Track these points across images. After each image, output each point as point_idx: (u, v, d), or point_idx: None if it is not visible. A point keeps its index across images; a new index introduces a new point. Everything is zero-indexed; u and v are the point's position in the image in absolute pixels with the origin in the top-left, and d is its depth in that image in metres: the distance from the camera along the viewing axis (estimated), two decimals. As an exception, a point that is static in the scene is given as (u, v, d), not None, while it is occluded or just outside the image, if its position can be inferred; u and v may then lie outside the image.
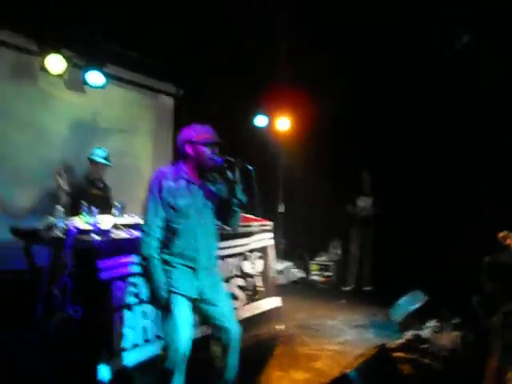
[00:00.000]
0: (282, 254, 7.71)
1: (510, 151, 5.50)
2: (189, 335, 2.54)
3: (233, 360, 2.63)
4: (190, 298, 2.59)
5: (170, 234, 2.60)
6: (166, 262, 2.59)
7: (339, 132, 6.89)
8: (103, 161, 4.73)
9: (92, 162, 4.73)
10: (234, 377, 2.66)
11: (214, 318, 2.64)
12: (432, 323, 4.09)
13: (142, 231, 2.62)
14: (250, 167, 2.76)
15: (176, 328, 2.50)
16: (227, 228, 2.99)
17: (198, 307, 2.65)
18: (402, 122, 6.29)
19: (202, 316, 2.72)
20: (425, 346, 3.71)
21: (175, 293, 2.55)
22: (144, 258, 2.58)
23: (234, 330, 2.64)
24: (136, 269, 3.29)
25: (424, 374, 3.24)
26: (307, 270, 7.46)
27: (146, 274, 2.60)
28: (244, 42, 5.99)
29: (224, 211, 2.76)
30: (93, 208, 3.48)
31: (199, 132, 2.70)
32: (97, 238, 3.07)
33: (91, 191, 4.69)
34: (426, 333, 3.91)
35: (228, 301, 2.82)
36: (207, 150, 2.67)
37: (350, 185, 6.92)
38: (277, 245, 7.59)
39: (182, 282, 2.58)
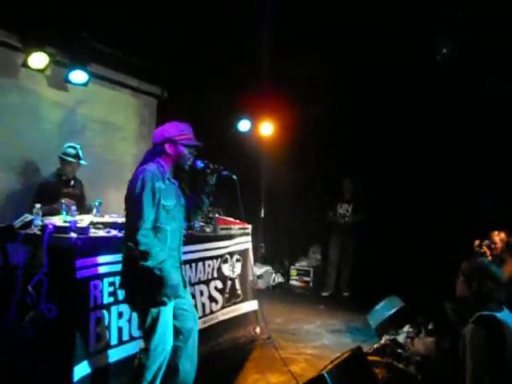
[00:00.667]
0: (262, 259, 7.74)
1: (503, 151, 5.61)
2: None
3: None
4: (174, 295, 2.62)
5: (163, 236, 2.60)
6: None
7: (322, 138, 6.97)
8: (74, 160, 4.52)
9: (63, 160, 4.51)
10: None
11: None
12: (407, 329, 4.15)
13: (141, 234, 2.49)
14: (234, 176, 2.88)
15: (168, 330, 2.59)
16: (210, 228, 3.06)
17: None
18: (389, 125, 6.39)
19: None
20: (400, 350, 3.76)
21: (166, 296, 2.56)
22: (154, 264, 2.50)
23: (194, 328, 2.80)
24: (113, 268, 3.27)
25: (398, 378, 3.29)
26: (287, 275, 7.49)
27: (155, 276, 2.51)
28: (229, 46, 6.02)
29: (190, 210, 2.88)
30: (72, 207, 3.44)
31: (181, 131, 2.68)
32: (74, 235, 3.03)
33: (62, 190, 4.49)
34: (401, 338, 3.97)
35: (190, 299, 2.92)
36: (186, 152, 2.68)
37: (331, 191, 6.98)
38: (257, 249, 7.64)
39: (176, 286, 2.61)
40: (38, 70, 4.54)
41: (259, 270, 7.19)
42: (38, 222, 3.35)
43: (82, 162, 4.59)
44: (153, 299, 2.55)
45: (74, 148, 4.56)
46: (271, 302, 6.07)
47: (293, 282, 7.36)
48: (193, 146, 2.71)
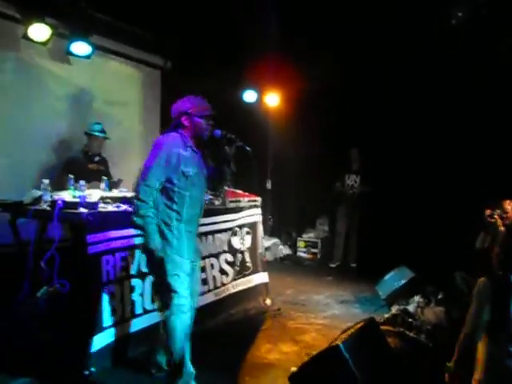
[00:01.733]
0: (270, 231, 7.75)
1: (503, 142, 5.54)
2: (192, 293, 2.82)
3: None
4: (192, 259, 2.80)
5: (180, 201, 2.72)
6: (177, 230, 2.72)
7: (329, 109, 6.84)
8: (101, 134, 4.68)
9: (91, 136, 4.66)
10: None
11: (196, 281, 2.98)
12: (417, 299, 4.17)
13: (141, 191, 2.65)
14: (248, 148, 2.99)
15: (186, 287, 2.72)
16: (219, 200, 3.46)
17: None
18: (395, 99, 6.26)
19: None
20: (410, 320, 3.78)
21: (186, 259, 2.74)
22: (141, 217, 2.65)
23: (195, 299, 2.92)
24: (124, 243, 3.27)
25: (410, 346, 3.31)
26: (294, 247, 7.51)
27: (143, 231, 2.70)
28: (233, 16, 5.85)
29: (214, 180, 3.06)
30: (80, 181, 3.41)
31: (195, 104, 2.79)
32: (84, 210, 3.01)
33: (88, 166, 4.63)
34: (411, 308, 3.99)
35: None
36: (203, 122, 2.79)
37: (338, 162, 6.91)
38: (264, 221, 7.64)
39: (189, 249, 2.76)
40: (40, 43, 4.43)
41: (267, 242, 7.19)
42: (48, 197, 3.33)
43: (106, 136, 4.72)
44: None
45: (99, 124, 4.71)
46: (280, 274, 6.10)
47: (300, 254, 7.39)
48: (207, 116, 2.80)
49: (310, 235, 7.47)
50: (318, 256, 7.28)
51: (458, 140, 5.92)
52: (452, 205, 5.74)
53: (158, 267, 2.73)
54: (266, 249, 7.05)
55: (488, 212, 4.48)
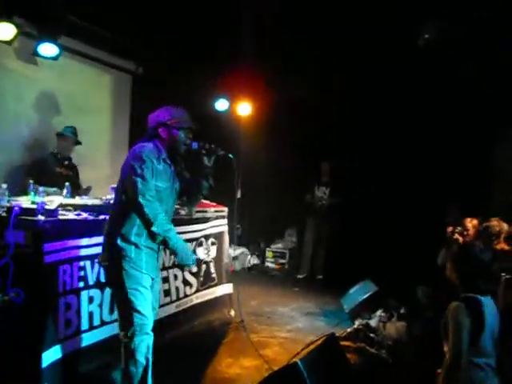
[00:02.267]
0: (238, 240, 7.70)
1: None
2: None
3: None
4: (152, 276, 2.66)
5: None
6: (135, 245, 2.56)
7: (300, 120, 6.89)
8: (71, 135, 4.58)
9: (62, 136, 4.56)
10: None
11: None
12: (379, 313, 4.21)
13: (146, 198, 2.45)
14: (231, 155, 2.83)
15: (148, 304, 2.58)
16: (185, 210, 3.22)
17: None
18: (367, 108, 6.35)
19: None
20: (372, 335, 3.81)
21: (145, 273, 2.58)
22: (160, 225, 2.46)
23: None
24: (83, 252, 3.17)
25: (370, 362, 3.33)
26: (262, 257, 7.50)
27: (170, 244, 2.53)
28: (206, 22, 5.82)
29: (190, 195, 2.87)
30: (40, 187, 3.29)
31: (174, 115, 2.67)
32: (41, 218, 2.90)
33: (55, 169, 4.52)
34: (373, 322, 4.02)
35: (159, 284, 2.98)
36: (181, 135, 2.67)
37: (309, 174, 6.95)
38: (233, 230, 7.59)
39: (150, 264, 2.62)
40: (5, 42, 4.28)
41: (235, 251, 7.17)
42: (4, 202, 3.20)
43: (76, 139, 4.64)
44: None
45: (71, 127, 4.63)
46: (246, 284, 6.06)
47: (268, 264, 7.38)
48: (185, 129, 2.69)
49: (278, 246, 7.48)
50: (286, 267, 7.29)
51: (420, 154, 6.05)
52: (416, 220, 5.85)
53: (117, 285, 2.59)
54: (234, 258, 7.02)
55: (450, 229, 4.58)
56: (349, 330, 3.91)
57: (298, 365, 2.39)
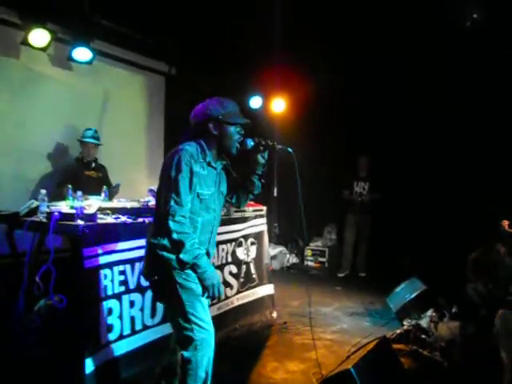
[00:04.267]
0: (276, 239, 7.60)
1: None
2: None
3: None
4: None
5: (192, 226, 2.29)
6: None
7: (336, 114, 6.70)
8: (91, 140, 4.59)
9: (82, 143, 4.61)
10: None
11: None
12: (430, 313, 3.99)
13: (175, 220, 2.19)
14: (290, 149, 2.54)
15: (207, 316, 2.36)
16: (223, 210, 2.84)
17: None
18: (404, 103, 6.09)
19: None
20: (423, 336, 3.60)
21: (198, 283, 2.31)
22: (188, 251, 2.22)
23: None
24: (123, 256, 3.13)
25: (424, 366, 3.14)
26: (301, 256, 7.35)
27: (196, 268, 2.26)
28: (239, 21, 5.73)
29: (239, 195, 2.58)
30: (78, 192, 3.28)
31: (228, 108, 2.34)
32: (81, 222, 2.87)
33: (84, 173, 4.58)
34: (424, 323, 3.81)
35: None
36: (234, 132, 2.36)
37: (347, 169, 6.76)
38: (271, 229, 7.49)
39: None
40: (40, 49, 4.32)
41: (273, 250, 7.06)
42: (44, 208, 3.21)
43: (95, 141, 4.61)
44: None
45: (91, 129, 4.62)
46: (286, 284, 5.95)
47: (308, 263, 7.22)
48: (240, 124, 2.38)
49: (317, 243, 7.30)
50: (326, 265, 7.11)
51: (473, 146, 5.74)
52: (466, 213, 5.55)
53: (172, 299, 2.35)
54: (273, 257, 6.92)
55: (506, 222, 4.32)
56: (398, 331, 3.71)
57: (351, 371, 2.25)
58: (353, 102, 6.53)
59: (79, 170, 4.55)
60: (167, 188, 2.23)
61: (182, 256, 2.22)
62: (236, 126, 2.36)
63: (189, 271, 2.31)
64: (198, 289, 2.33)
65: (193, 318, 2.29)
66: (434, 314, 3.98)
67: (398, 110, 6.20)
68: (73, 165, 4.64)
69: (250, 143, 2.41)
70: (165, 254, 2.29)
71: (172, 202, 2.19)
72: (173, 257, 2.28)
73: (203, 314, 2.34)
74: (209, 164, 2.36)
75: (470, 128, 5.69)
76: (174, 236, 2.20)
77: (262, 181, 2.53)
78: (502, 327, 2.18)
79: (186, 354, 2.30)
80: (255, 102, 6.64)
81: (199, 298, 2.33)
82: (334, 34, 5.95)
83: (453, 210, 5.71)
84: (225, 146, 2.36)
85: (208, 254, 2.43)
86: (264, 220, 4.61)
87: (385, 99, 6.26)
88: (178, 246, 2.21)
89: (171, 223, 2.19)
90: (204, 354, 2.31)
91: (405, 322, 4.03)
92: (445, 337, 3.65)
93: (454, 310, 4.16)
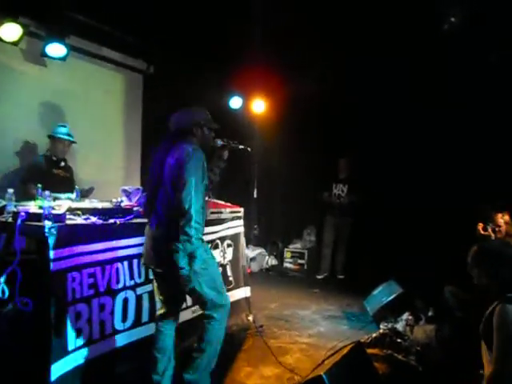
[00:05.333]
0: (255, 241, 7.54)
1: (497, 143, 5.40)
2: None
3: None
4: None
5: (203, 216, 2.76)
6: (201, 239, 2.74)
7: (316, 116, 6.68)
8: (66, 137, 4.43)
9: (53, 139, 4.42)
10: None
11: None
12: (406, 316, 3.98)
13: (192, 226, 2.57)
14: (249, 149, 3.26)
15: (221, 288, 2.89)
16: None
17: None
18: (385, 108, 6.10)
19: None
20: (399, 340, 3.58)
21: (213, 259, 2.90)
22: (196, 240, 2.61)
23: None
24: (93, 258, 3.03)
25: (399, 371, 3.11)
26: (280, 258, 7.31)
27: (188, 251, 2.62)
28: (218, 19, 5.66)
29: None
30: (46, 191, 3.16)
31: (205, 116, 2.91)
32: (48, 223, 2.76)
33: (52, 171, 4.40)
34: (400, 326, 3.79)
35: None
36: (211, 134, 2.94)
37: (326, 171, 6.74)
38: (250, 231, 7.42)
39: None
40: (11, 43, 4.18)
41: (252, 252, 7.00)
42: (11, 208, 3.08)
43: (71, 139, 4.47)
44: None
45: (65, 126, 4.47)
46: (264, 286, 5.90)
47: (287, 265, 7.19)
48: (214, 128, 2.95)
49: (296, 245, 7.27)
50: (305, 267, 7.08)
51: (447, 149, 5.78)
52: (443, 216, 5.57)
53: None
54: (251, 259, 6.86)
55: (481, 225, 4.35)
56: (374, 335, 3.68)
57: (323, 378, 2.20)
58: (332, 103, 6.51)
59: (47, 168, 4.36)
60: (187, 187, 2.59)
61: (190, 231, 2.60)
62: (212, 131, 2.94)
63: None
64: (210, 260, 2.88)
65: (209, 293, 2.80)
66: (410, 317, 3.98)
67: (378, 112, 6.21)
68: (40, 162, 4.42)
69: (219, 142, 3.08)
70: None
71: (191, 204, 2.59)
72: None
73: (219, 283, 2.90)
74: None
75: (449, 129, 5.74)
76: (193, 225, 2.59)
77: (217, 177, 3.14)
78: (498, 320, 2.16)
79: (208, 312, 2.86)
80: (235, 103, 6.58)
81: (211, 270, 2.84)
82: (317, 34, 5.91)
83: (431, 213, 5.73)
84: (203, 144, 2.88)
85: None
86: (241, 222, 4.54)
87: (366, 101, 6.27)
88: (191, 254, 2.64)
89: (189, 229, 2.57)
90: (223, 323, 2.91)
91: (381, 326, 4.00)
92: (420, 340, 3.65)
93: (430, 313, 4.17)
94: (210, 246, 4.07)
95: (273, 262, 7.24)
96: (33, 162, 4.47)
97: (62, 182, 4.29)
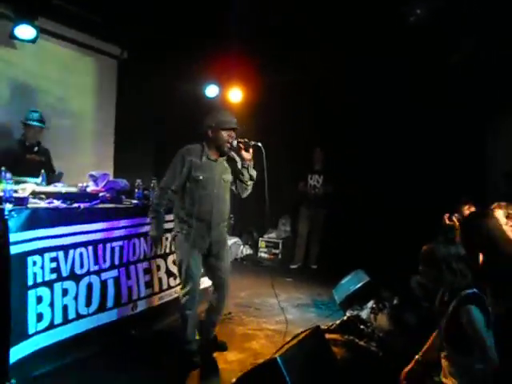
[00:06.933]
0: (230, 230, 7.53)
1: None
2: (199, 278, 3.27)
3: (223, 297, 3.39)
4: (202, 251, 3.20)
5: (191, 200, 3.14)
6: (187, 223, 3.15)
7: (293, 105, 6.69)
8: (36, 123, 4.40)
9: (26, 125, 4.40)
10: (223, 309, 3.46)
11: (219, 269, 3.31)
12: (370, 304, 4.05)
13: (158, 190, 3.28)
14: (259, 144, 3.27)
15: (191, 273, 3.16)
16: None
17: (208, 260, 3.27)
18: (360, 96, 6.13)
19: (208, 267, 3.33)
20: (362, 327, 3.65)
21: (194, 247, 3.15)
22: (154, 211, 3.22)
23: (227, 280, 3.39)
24: (55, 242, 3.01)
25: (358, 356, 3.17)
26: (255, 247, 7.34)
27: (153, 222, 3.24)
28: (193, 6, 5.59)
29: (238, 184, 3.35)
30: (8, 174, 3.11)
31: (218, 118, 3.16)
32: (9, 206, 2.73)
33: (26, 157, 4.39)
34: (364, 314, 3.86)
35: (228, 257, 3.43)
36: (224, 135, 3.13)
37: (301, 162, 6.77)
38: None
39: (198, 239, 3.15)
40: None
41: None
42: (-28, 191, 3.03)
43: (42, 125, 4.45)
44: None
45: (36, 112, 4.43)
46: (237, 275, 5.87)
47: (261, 254, 7.22)
48: (227, 129, 3.14)
49: (271, 235, 7.31)
50: (279, 257, 7.12)
51: (418, 142, 5.86)
52: (411, 208, 5.66)
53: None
54: (226, 248, 6.86)
55: (447, 215, 4.43)
56: (338, 321, 3.74)
57: (277, 361, 2.23)
58: (309, 92, 6.52)
59: (21, 153, 4.36)
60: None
61: (148, 212, 3.33)
62: (226, 131, 3.14)
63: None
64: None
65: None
66: (374, 305, 4.04)
67: (353, 102, 6.24)
68: (14, 147, 4.42)
69: (234, 143, 3.20)
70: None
71: (162, 180, 3.23)
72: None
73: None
74: (207, 157, 3.17)
75: (421, 123, 5.81)
76: (154, 202, 3.31)
77: (250, 173, 3.34)
78: (472, 320, 2.24)
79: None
80: (211, 91, 6.55)
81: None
82: (290, 22, 5.88)
83: (400, 204, 5.81)
84: (217, 145, 3.17)
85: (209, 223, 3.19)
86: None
87: (341, 90, 6.28)
88: (152, 206, 3.32)
89: (157, 194, 3.34)
90: None
91: (347, 313, 4.07)
92: (383, 327, 3.72)
93: (395, 301, 4.24)
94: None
95: (247, 251, 7.26)
96: (7, 148, 4.42)
97: (37, 166, 4.21)
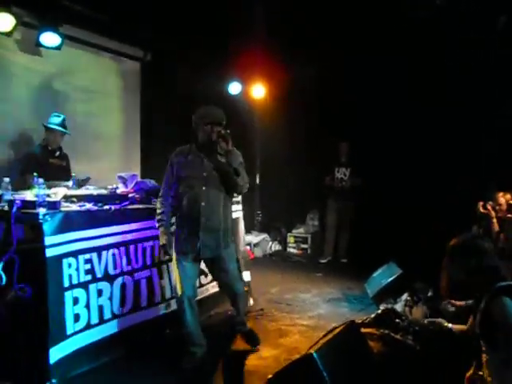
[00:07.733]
0: (259, 227, 7.56)
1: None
2: (191, 283, 3.19)
3: (242, 307, 3.46)
4: (193, 254, 3.11)
5: (178, 199, 3.12)
6: (177, 224, 3.18)
7: (317, 100, 6.62)
8: (58, 128, 4.39)
9: (47, 129, 4.41)
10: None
11: (224, 274, 3.26)
12: (405, 297, 3.97)
13: (158, 199, 3.21)
14: (228, 131, 3.09)
15: (181, 279, 3.09)
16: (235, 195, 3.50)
17: (210, 265, 3.29)
18: (385, 91, 6.04)
19: (211, 272, 3.38)
20: (397, 320, 3.57)
21: (181, 252, 3.11)
22: (158, 220, 3.17)
23: (239, 288, 3.39)
24: (89, 244, 3.06)
25: (395, 350, 3.11)
26: (284, 243, 7.32)
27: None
28: (217, 6, 5.60)
29: (225, 181, 3.13)
30: (40, 179, 3.18)
31: (201, 113, 3.10)
32: (42, 210, 2.79)
33: (49, 161, 4.41)
34: (399, 307, 3.79)
35: (234, 261, 3.34)
36: (207, 129, 3.05)
37: (328, 155, 6.70)
38: (253, 217, 7.44)
39: (187, 243, 3.09)
40: (4, 33, 4.18)
41: (255, 238, 7.03)
42: (8, 197, 3.11)
43: (64, 130, 4.43)
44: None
45: (59, 116, 4.42)
46: (267, 271, 5.92)
47: (290, 250, 7.20)
48: (210, 123, 3.04)
49: (299, 230, 7.27)
50: (308, 252, 7.09)
51: (450, 132, 5.71)
52: (444, 198, 5.53)
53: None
54: (255, 245, 6.89)
55: (481, 204, 4.33)
56: (372, 315, 3.68)
57: (314, 356, 2.21)
58: (333, 86, 6.44)
59: (43, 158, 4.35)
60: None
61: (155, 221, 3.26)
62: (209, 125, 3.04)
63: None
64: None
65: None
66: (409, 298, 3.97)
67: (379, 96, 6.15)
68: (36, 152, 4.42)
69: (214, 136, 3.06)
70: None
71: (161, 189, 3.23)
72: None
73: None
74: (193, 153, 3.12)
75: (450, 120, 5.68)
76: (156, 213, 3.25)
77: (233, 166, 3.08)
78: (504, 313, 2.12)
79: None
80: (234, 88, 6.55)
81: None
82: (313, 18, 5.84)
83: (432, 195, 5.69)
84: (203, 139, 3.10)
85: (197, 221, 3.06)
86: (239, 207, 4.54)
87: (366, 85, 6.19)
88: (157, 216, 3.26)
89: (157, 203, 3.27)
90: None
91: (381, 307, 3.99)
92: (418, 321, 3.63)
93: (429, 293, 4.15)
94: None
95: (276, 247, 7.26)
96: (29, 153, 4.46)
97: (59, 170, 4.30)
